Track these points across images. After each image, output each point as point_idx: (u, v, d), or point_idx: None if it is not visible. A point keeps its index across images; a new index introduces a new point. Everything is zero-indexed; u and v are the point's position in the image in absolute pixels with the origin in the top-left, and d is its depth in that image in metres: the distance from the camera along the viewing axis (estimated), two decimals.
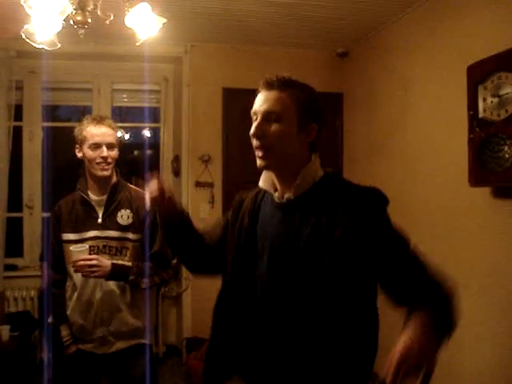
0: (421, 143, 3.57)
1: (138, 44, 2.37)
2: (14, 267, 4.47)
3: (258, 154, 1.47)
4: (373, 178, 3.94)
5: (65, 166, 4.60)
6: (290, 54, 4.58)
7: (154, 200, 1.56)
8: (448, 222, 3.25)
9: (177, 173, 4.58)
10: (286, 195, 1.49)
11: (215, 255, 1.67)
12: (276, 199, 1.53)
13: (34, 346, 4.08)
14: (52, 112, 4.77)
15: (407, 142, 3.74)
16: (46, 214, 4.43)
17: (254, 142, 1.48)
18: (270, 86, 1.48)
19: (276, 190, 1.54)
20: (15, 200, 4.49)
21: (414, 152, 3.65)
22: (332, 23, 4.01)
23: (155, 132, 5.03)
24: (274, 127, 1.43)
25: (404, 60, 3.77)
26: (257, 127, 1.46)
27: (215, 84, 4.54)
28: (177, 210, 1.63)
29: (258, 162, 1.48)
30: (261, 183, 1.59)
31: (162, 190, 1.55)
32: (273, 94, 1.46)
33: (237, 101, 4.49)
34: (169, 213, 1.61)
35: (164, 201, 1.56)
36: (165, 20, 2.29)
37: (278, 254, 1.47)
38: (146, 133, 5.17)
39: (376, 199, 1.44)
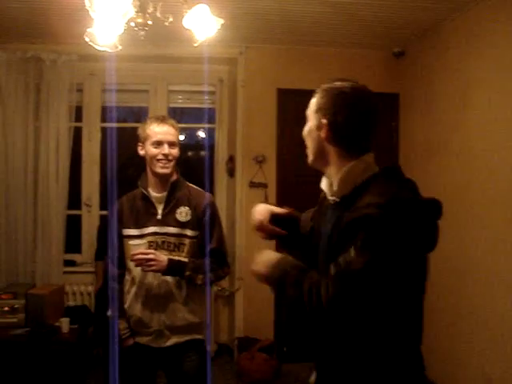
0: (481, 145, 3.45)
1: (196, 45, 2.40)
2: (72, 263, 4.63)
3: None
4: (430, 179, 3.85)
5: (121, 165, 4.72)
6: (345, 54, 4.54)
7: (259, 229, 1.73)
8: (510, 224, 3.13)
9: (231, 173, 4.62)
10: (331, 197, 1.53)
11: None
12: (328, 198, 1.57)
13: (90, 340, 4.21)
14: (109, 113, 4.89)
15: (466, 144, 3.63)
16: (103, 212, 4.58)
17: None
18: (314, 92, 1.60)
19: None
20: (75, 198, 4.65)
21: (473, 154, 3.54)
22: (388, 22, 3.94)
23: (209, 133, 5.09)
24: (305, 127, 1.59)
25: (464, 60, 3.66)
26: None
27: (270, 85, 4.55)
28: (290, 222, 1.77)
29: None
30: (321, 184, 1.63)
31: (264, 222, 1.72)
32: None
33: (291, 101, 4.49)
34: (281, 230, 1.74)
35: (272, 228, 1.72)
36: (223, 21, 2.31)
37: (321, 255, 1.52)
38: (201, 134, 5.24)
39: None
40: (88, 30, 2.33)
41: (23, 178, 4.41)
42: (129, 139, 4.36)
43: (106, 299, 3.77)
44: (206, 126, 5.05)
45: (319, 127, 1.52)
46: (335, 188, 1.49)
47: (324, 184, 1.61)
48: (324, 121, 1.49)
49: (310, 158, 1.59)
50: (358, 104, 1.48)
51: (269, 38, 4.38)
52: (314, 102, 1.55)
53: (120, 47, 2.38)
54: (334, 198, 1.52)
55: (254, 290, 4.49)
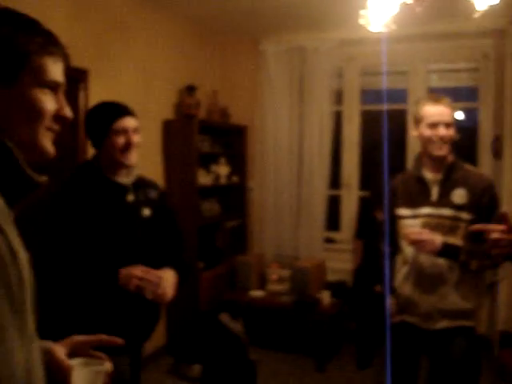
0: None
1: (475, 17, 2.29)
2: (331, 240, 4.88)
3: None
4: None
5: (375, 147, 4.77)
6: None
7: None
8: None
9: (497, 154, 4.30)
10: None
11: None
12: None
13: (346, 314, 4.38)
14: (363, 96, 4.95)
15: None
16: (362, 193, 4.72)
17: None
18: None
19: None
20: (335, 178, 4.87)
21: None
22: None
23: (469, 112, 4.82)
24: None
25: None
26: None
27: None
28: None
29: None
30: None
31: None
32: None
33: None
34: None
35: None
36: None
37: None
38: (458, 114, 4.99)
39: None
40: (361, 11, 2.39)
41: (289, 159, 4.79)
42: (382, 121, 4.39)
43: (366, 276, 3.91)
44: (467, 104, 4.80)
45: None
46: None
47: None
48: None
49: None
50: None
51: None
52: None
53: (394, 27, 2.39)
54: None
55: None
